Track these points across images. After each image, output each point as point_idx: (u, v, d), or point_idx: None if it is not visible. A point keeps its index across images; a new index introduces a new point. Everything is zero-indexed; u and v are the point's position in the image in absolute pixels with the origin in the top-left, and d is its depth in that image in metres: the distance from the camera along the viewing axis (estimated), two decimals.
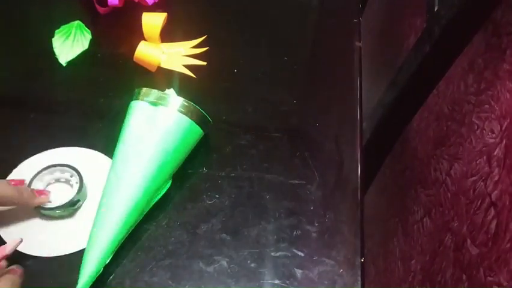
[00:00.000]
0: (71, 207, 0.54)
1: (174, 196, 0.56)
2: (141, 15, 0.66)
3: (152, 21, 0.64)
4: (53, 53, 0.65)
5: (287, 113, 0.63)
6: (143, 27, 0.64)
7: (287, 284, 0.52)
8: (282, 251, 0.54)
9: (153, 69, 0.64)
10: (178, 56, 0.66)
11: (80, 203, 0.55)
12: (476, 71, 0.71)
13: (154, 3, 0.69)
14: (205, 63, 0.65)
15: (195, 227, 0.55)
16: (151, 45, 0.64)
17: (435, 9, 0.70)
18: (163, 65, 0.65)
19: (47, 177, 0.55)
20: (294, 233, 0.55)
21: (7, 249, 0.46)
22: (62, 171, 0.55)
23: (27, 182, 0.54)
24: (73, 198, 0.53)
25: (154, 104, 0.54)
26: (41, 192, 0.53)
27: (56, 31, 0.66)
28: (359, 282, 0.52)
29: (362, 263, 0.54)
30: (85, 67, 0.65)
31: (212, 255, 0.53)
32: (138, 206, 0.52)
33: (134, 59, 0.64)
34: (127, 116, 0.56)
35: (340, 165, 0.59)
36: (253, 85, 0.60)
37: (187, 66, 0.65)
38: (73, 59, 0.65)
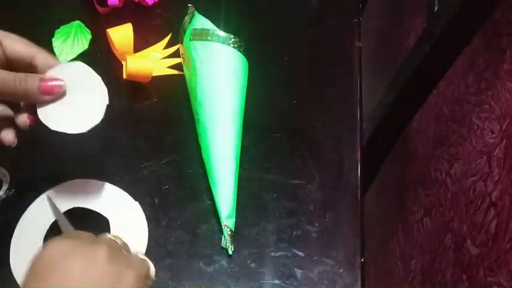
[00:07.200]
0: None
1: (174, 196, 0.56)
2: (141, 15, 0.66)
3: (123, 34, 0.63)
4: (53, 53, 0.65)
5: (287, 113, 0.63)
6: (114, 43, 0.63)
7: (287, 284, 0.52)
8: (282, 251, 0.54)
9: (147, 81, 0.64)
10: (158, 60, 0.65)
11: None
12: (476, 71, 0.71)
13: (154, 3, 0.69)
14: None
15: (195, 227, 0.55)
16: (138, 59, 0.64)
17: (435, 9, 0.70)
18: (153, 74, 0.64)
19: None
20: (294, 233, 0.55)
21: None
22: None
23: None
24: None
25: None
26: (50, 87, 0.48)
27: (56, 31, 0.66)
28: (359, 282, 0.52)
29: (362, 263, 0.54)
30: None
31: (212, 255, 0.53)
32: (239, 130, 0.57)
33: (126, 77, 0.63)
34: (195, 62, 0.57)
35: (340, 165, 0.59)
36: (253, 85, 0.60)
37: (171, 67, 0.65)
38: (73, 59, 0.65)
